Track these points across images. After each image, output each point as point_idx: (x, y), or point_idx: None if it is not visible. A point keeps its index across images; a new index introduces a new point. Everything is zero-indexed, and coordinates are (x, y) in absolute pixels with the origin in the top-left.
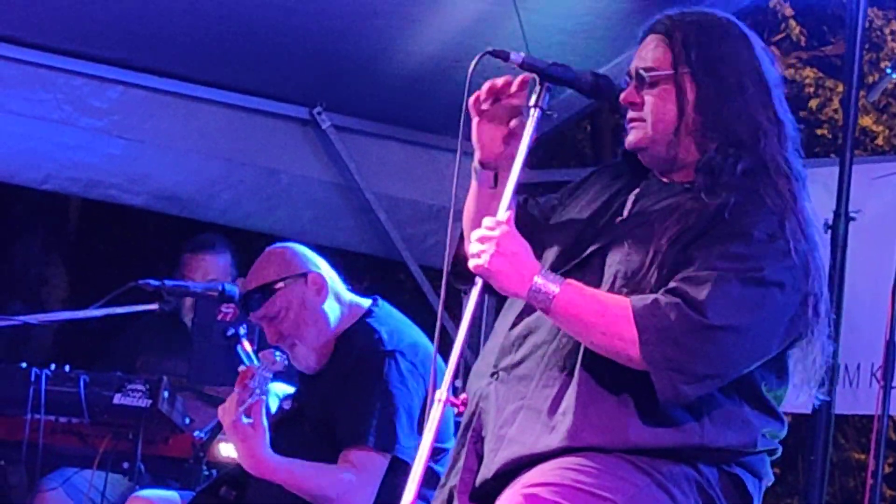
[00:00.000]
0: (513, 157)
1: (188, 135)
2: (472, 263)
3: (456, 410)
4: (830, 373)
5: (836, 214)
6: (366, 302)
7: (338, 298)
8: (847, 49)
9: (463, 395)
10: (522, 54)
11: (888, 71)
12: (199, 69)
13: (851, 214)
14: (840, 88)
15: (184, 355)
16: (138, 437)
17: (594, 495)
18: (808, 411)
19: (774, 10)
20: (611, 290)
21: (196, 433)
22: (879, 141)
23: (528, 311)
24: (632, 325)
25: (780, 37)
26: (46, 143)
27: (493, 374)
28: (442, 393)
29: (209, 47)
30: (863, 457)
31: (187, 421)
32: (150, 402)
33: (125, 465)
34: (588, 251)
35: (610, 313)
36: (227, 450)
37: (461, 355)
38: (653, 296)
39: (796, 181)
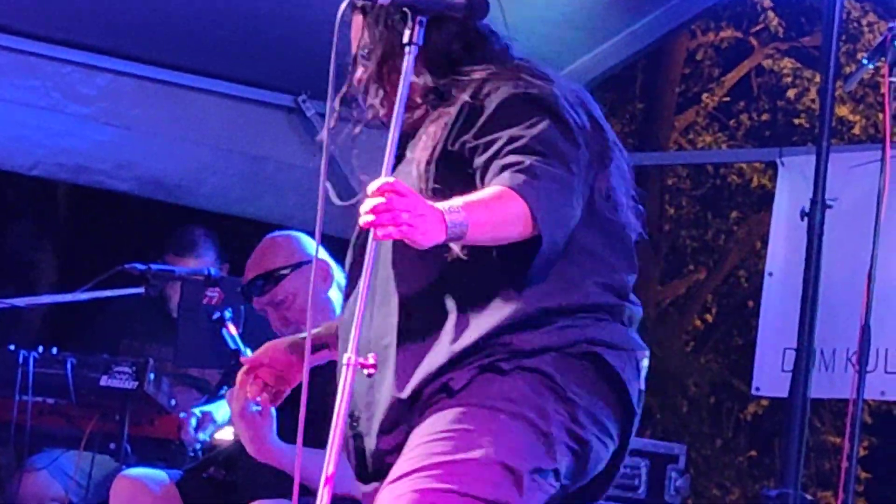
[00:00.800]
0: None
1: (175, 122)
2: (382, 231)
3: (366, 372)
4: (806, 358)
5: (813, 202)
6: None
7: (339, 286)
8: (824, 40)
9: (372, 355)
10: None
11: (864, 61)
12: (186, 57)
13: (828, 202)
14: (817, 79)
15: (167, 343)
16: (124, 418)
17: (458, 462)
18: (785, 395)
19: (753, 1)
20: None
21: (181, 414)
22: (856, 130)
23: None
24: (519, 202)
25: (758, 28)
26: (35, 129)
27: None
28: (350, 356)
29: (196, 36)
30: (838, 440)
31: (172, 402)
32: (136, 383)
33: (111, 445)
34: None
35: (501, 203)
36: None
37: (363, 312)
38: (508, 169)
39: (518, 59)
